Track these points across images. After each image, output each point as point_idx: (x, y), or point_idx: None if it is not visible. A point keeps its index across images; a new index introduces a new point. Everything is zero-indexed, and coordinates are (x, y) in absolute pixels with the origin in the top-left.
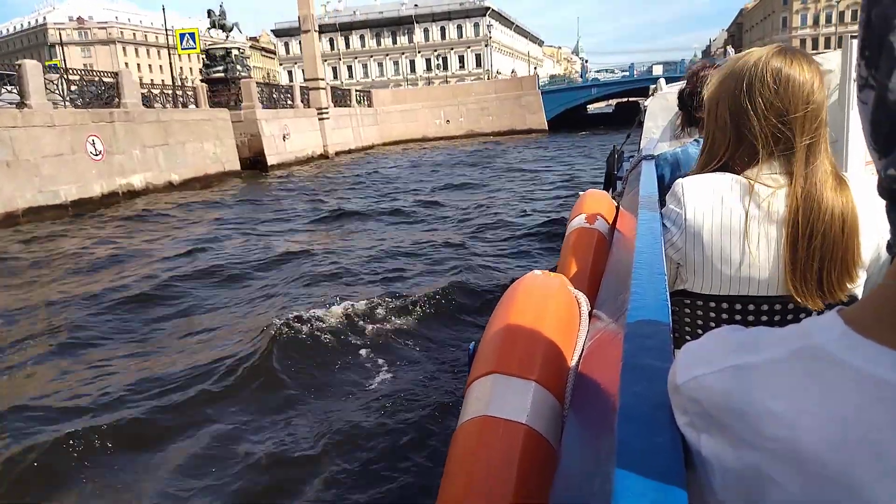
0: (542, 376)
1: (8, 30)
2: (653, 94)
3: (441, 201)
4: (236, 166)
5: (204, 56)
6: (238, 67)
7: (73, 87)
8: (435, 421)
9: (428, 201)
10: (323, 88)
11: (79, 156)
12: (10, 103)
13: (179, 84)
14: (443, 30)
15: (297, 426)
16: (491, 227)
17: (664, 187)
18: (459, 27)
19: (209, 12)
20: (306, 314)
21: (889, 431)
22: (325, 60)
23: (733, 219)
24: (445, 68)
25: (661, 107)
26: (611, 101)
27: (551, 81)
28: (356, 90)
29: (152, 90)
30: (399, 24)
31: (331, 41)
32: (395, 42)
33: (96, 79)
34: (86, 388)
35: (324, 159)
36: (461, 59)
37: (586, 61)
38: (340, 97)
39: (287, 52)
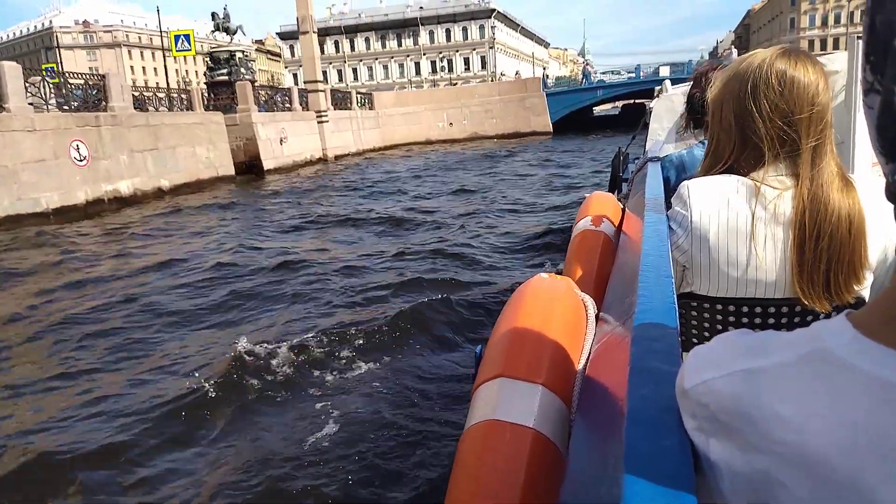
0: (549, 380)
1: (14, 34)
2: (658, 96)
3: (442, 205)
4: (230, 171)
5: (208, 59)
6: (242, 70)
7: (59, 90)
8: (442, 424)
9: (429, 205)
10: (322, 91)
11: (62, 161)
12: None
13: (183, 87)
14: (448, 32)
15: (301, 429)
16: (496, 230)
17: (670, 189)
18: (464, 29)
19: (213, 15)
20: (310, 320)
21: None
22: (331, 63)
23: (739, 221)
24: (450, 70)
25: (667, 108)
26: (617, 103)
27: (556, 83)
28: (357, 92)
29: (145, 93)
30: (404, 27)
31: (336, 44)
32: (399, 44)
33: (81, 81)
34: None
35: (323, 163)
36: (466, 61)
37: (587, 64)
38: (341, 100)
39: (292, 54)
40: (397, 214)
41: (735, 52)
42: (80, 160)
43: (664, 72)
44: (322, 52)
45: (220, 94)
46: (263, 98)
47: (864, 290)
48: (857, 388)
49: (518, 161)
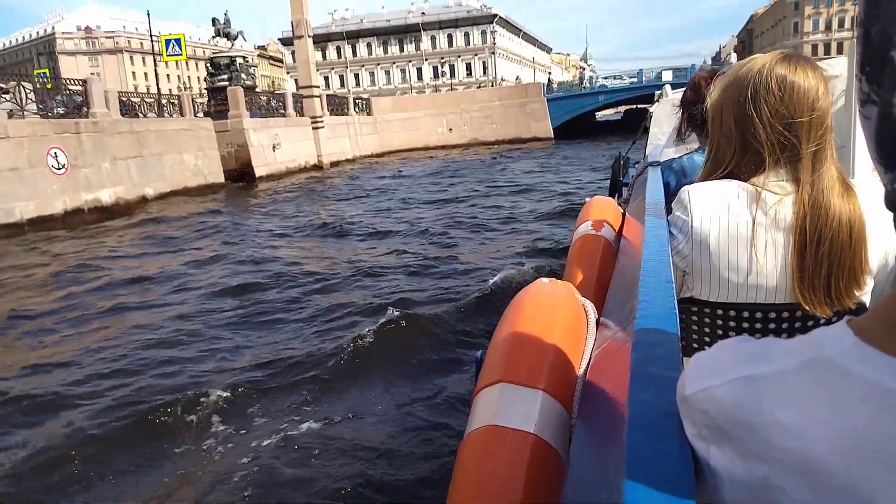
0: (549, 385)
1: (17, 39)
2: (658, 101)
3: (438, 212)
4: (220, 178)
5: (208, 65)
6: (242, 76)
7: (38, 96)
8: (442, 430)
9: (425, 212)
10: (317, 96)
11: (38, 170)
12: None
13: (183, 92)
14: (450, 37)
15: (300, 435)
16: (496, 236)
17: (670, 194)
18: (466, 35)
19: (214, 20)
20: (305, 328)
21: None
22: (333, 69)
23: (740, 226)
24: (452, 76)
25: (667, 113)
26: (620, 108)
27: (558, 88)
28: (354, 98)
29: (133, 98)
30: (406, 32)
31: (338, 49)
32: (401, 50)
33: (61, 87)
34: None
35: (318, 170)
36: (468, 66)
37: (583, 69)
38: (337, 105)
39: (294, 60)
40: (391, 221)
41: (734, 56)
42: (59, 168)
43: (667, 76)
44: (324, 57)
45: (221, 100)
46: (256, 104)
47: (865, 295)
48: (858, 396)
49: (516, 169)
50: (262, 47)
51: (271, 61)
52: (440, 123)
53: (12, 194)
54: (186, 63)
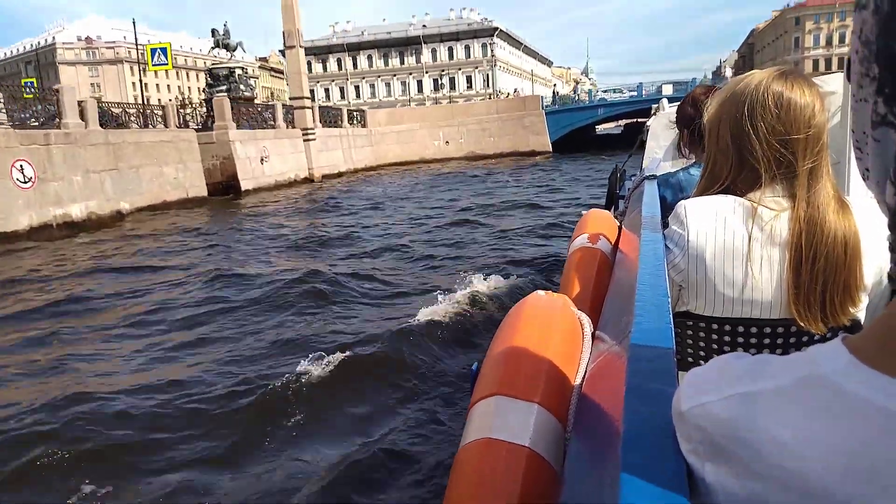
0: (545, 399)
1: (18, 50)
2: (655, 114)
3: (433, 225)
4: (203, 192)
5: (207, 75)
6: (241, 87)
7: (5, 105)
8: (437, 442)
9: (419, 226)
10: (309, 108)
11: (1, 183)
12: None
13: (181, 103)
14: (450, 50)
15: (294, 448)
16: (494, 246)
17: (666, 209)
18: (467, 47)
19: (213, 32)
20: (302, 340)
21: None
22: (333, 80)
23: (736, 241)
24: (453, 88)
25: (663, 126)
26: (620, 122)
27: (558, 101)
28: (348, 109)
29: (112, 109)
30: (407, 45)
31: (338, 61)
32: (402, 62)
33: (46, 97)
34: None
35: (308, 183)
36: (469, 79)
37: (577, 83)
38: (331, 117)
39: None
40: (380, 235)
41: (730, 71)
42: (24, 182)
43: (667, 90)
44: (325, 69)
45: (237, 111)
46: (247, 115)
47: (860, 311)
48: (854, 415)
49: (511, 182)
50: (265, 59)
51: (272, 73)
52: (437, 136)
53: None
54: (187, 74)
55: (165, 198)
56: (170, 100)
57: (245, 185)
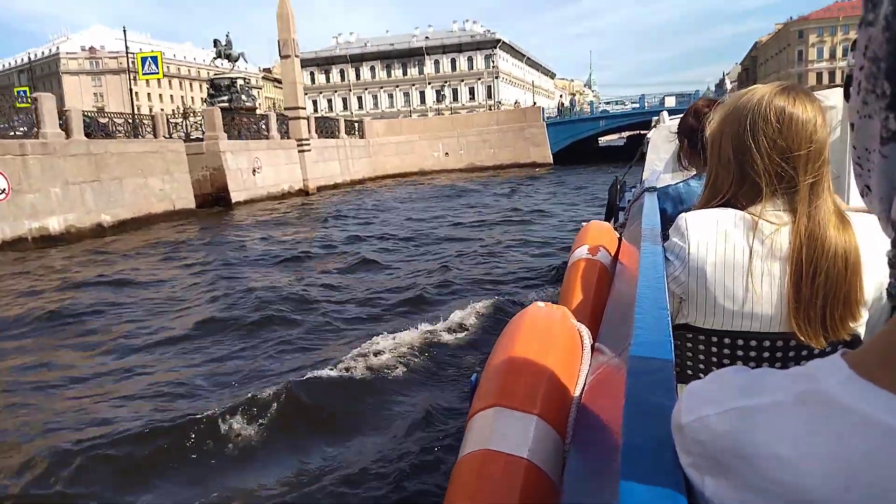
0: (544, 410)
1: (22, 59)
2: (655, 126)
3: (431, 238)
4: (191, 204)
5: (209, 86)
6: (243, 97)
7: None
8: (435, 453)
9: (417, 238)
10: (304, 118)
11: None
12: None
13: (181, 113)
14: (453, 61)
15: (292, 457)
16: (493, 257)
17: (666, 221)
18: (470, 59)
19: (215, 42)
20: (300, 353)
21: (894, 480)
22: (336, 91)
23: (737, 254)
24: (455, 100)
25: (663, 139)
26: (623, 134)
27: (563, 114)
28: (346, 120)
29: (99, 119)
30: (410, 56)
31: (341, 72)
32: (405, 73)
33: (26, 104)
34: None
35: (303, 195)
36: (471, 90)
37: (573, 95)
38: (328, 127)
39: None
40: (378, 247)
41: (729, 83)
42: None
43: (670, 102)
44: (327, 80)
45: (229, 122)
46: (242, 125)
47: (860, 326)
48: (853, 430)
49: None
50: (268, 70)
51: (276, 83)
52: (436, 147)
53: None
54: (191, 84)
55: (150, 210)
56: (172, 111)
57: (236, 196)
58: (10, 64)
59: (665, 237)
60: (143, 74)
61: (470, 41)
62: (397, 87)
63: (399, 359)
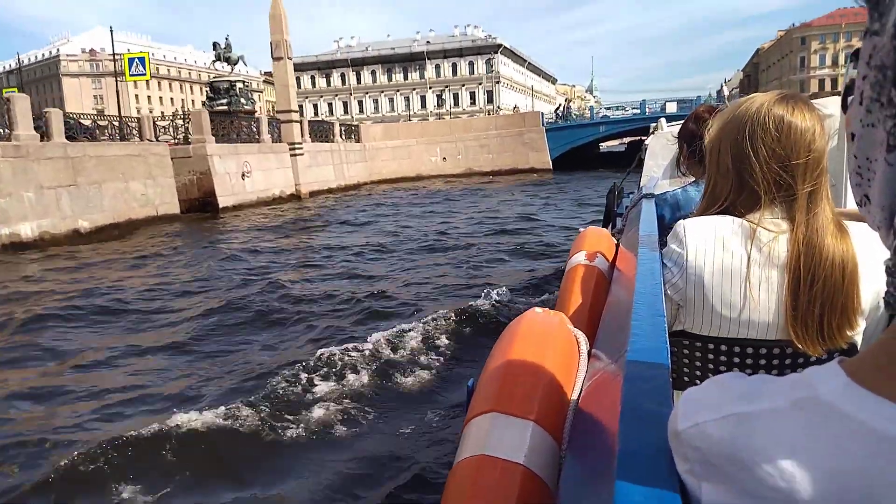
0: (540, 416)
1: (23, 61)
2: (654, 133)
3: (430, 240)
4: (175, 209)
5: (208, 89)
6: (242, 100)
7: None
8: (431, 458)
9: (412, 243)
10: (296, 121)
11: None
12: None
13: (179, 115)
14: (454, 66)
15: (285, 463)
16: (492, 262)
17: (664, 227)
18: (471, 64)
19: (215, 45)
20: (296, 354)
21: (891, 487)
22: (336, 95)
23: (734, 261)
24: (456, 104)
25: (662, 145)
26: (624, 140)
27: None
28: (341, 124)
29: (81, 121)
30: (411, 60)
31: (342, 76)
32: (406, 78)
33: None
34: None
35: (295, 200)
36: (472, 95)
37: (569, 100)
38: (322, 131)
39: (299, 86)
40: (374, 252)
41: (726, 89)
42: None
43: (671, 108)
44: (328, 84)
45: (219, 124)
46: (235, 129)
47: (857, 335)
48: (850, 437)
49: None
50: (269, 73)
51: None
52: (434, 152)
53: None
54: (191, 87)
55: (131, 215)
56: (120, 111)
57: (223, 201)
58: (10, 66)
59: (663, 243)
60: (131, 76)
61: (471, 46)
62: (398, 91)
63: (395, 363)
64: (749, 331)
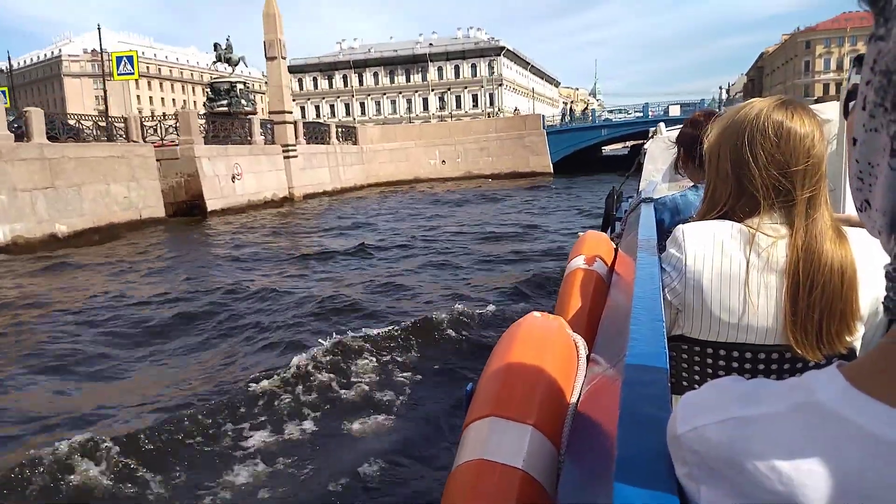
0: (539, 421)
1: (25, 61)
2: (653, 137)
3: (427, 243)
4: (159, 213)
5: (208, 90)
6: (243, 102)
7: None
8: (430, 462)
9: (410, 247)
10: (290, 122)
11: None
12: None
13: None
14: (457, 68)
15: (285, 467)
16: (490, 266)
17: (664, 232)
18: (473, 66)
19: (216, 46)
20: (294, 358)
21: (889, 491)
22: (339, 97)
23: (733, 266)
24: (458, 107)
25: (661, 150)
26: (627, 143)
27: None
28: (338, 125)
29: (64, 122)
30: (413, 63)
31: (344, 78)
32: (408, 80)
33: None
34: None
35: (287, 203)
36: (474, 98)
37: (566, 103)
38: (318, 133)
39: (301, 87)
40: (370, 257)
41: (723, 92)
42: None
43: (674, 111)
44: (330, 86)
45: (219, 126)
46: (222, 130)
47: (856, 340)
48: (848, 441)
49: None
50: None
51: None
52: (432, 155)
53: None
54: (193, 88)
55: (112, 219)
56: (107, 111)
57: (212, 205)
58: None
59: (662, 248)
60: (119, 75)
61: (474, 48)
62: (400, 93)
63: (394, 367)
64: (748, 336)
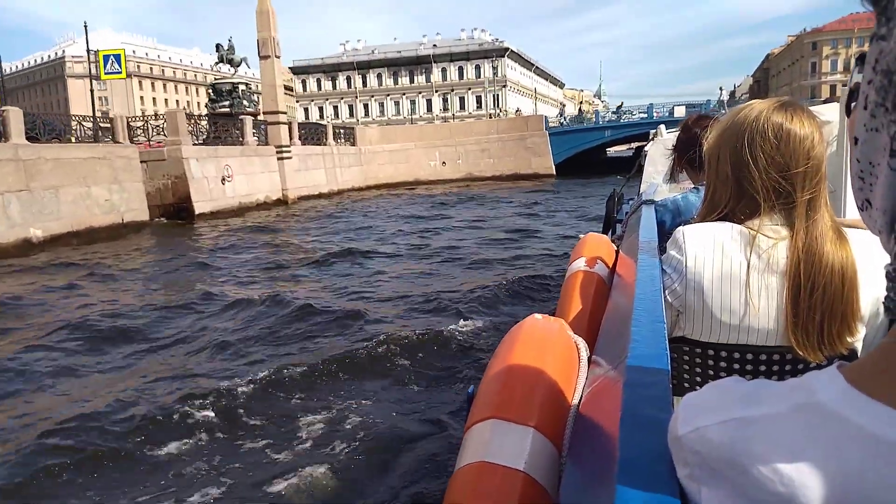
0: (540, 423)
1: (29, 63)
2: (653, 139)
3: (426, 246)
4: (143, 216)
5: (210, 91)
6: (244, 103)
7: None
8: (432, 464)
9: (410, 249)
10: (284, 123)
11: None
12: None
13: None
14: (460, 70)
15: (288, 470)
16: (491, 269)
17: (664, 234)
18: (477, 67)
19: (218, 46)
20: (295, 357)
21: (890, 491)
22: (342, 98)
23: (734, 268)
24: (462, 108)
25: (661, 152)
26: (632, 145)
27: (574, 120)
28: (335, 126)
29: (45, 122)
30: (417, 64)
31: (348, 79)
32: (412, 81)
33: None
34: None
35: (281, 205)
36: (478, 99)
37: (563, 105)
38: (314, 134)
39: (304, 89)
40: (369, 259)
41: (725, 93)
42: None
43: (679, 112)
44: (334, 87)
45: (221, 127)
46: (202, 132)
47: (857, 341)
48: (849, 442)
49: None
50: None
51: (285, 90)
52: (433, 156)
53: None
54: (196, 89)
55: (92, 223)
56: (94, 112)
57: (200, 207)
58: (16, 67)
59: (662, 250)
60: (106, 74)
61: (478, 49)
62: (404, 94)
63: (395, 370)
64: (749, 337)
